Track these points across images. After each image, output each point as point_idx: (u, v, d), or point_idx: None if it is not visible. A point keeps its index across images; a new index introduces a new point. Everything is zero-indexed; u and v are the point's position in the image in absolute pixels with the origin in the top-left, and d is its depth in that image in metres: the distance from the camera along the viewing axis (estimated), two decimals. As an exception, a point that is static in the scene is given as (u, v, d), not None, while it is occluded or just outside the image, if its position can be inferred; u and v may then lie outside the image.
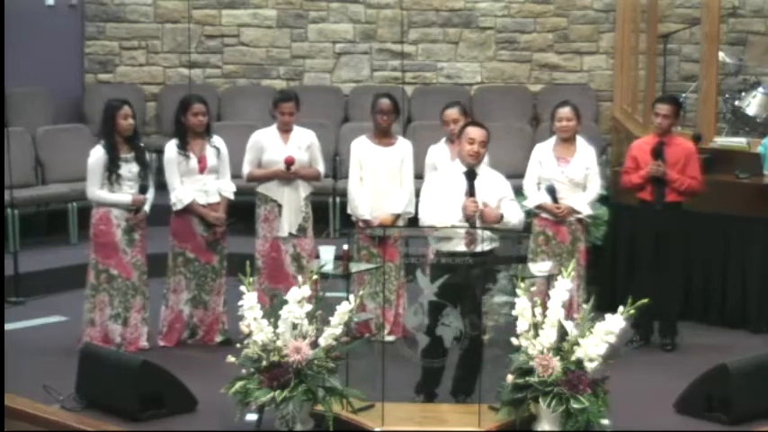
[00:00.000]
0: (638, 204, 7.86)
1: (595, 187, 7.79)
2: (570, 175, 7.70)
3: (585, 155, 7.76)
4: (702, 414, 6.44)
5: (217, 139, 7.83)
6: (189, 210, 7.67)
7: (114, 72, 11.64)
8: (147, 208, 7.61)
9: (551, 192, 7.66)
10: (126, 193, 7.53)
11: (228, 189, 7.83)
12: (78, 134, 10.37)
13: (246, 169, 7.89)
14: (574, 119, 7.70)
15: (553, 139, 7.82)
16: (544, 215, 7.68)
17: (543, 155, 7.78)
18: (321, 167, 8.01)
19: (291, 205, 7.86)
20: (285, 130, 7.89)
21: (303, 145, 7.90)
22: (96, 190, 7.53)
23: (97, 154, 7.53)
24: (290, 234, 7.85)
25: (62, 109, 11.03)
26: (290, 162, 7.75)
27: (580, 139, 7.81)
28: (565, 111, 7.73)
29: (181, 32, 11.50)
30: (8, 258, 8.80)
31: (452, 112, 7.70)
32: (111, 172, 7.49)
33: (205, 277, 7.76)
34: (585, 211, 7.74)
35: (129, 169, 7.56)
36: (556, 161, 7.73)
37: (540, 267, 6.72)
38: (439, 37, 11.55)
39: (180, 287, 7.75)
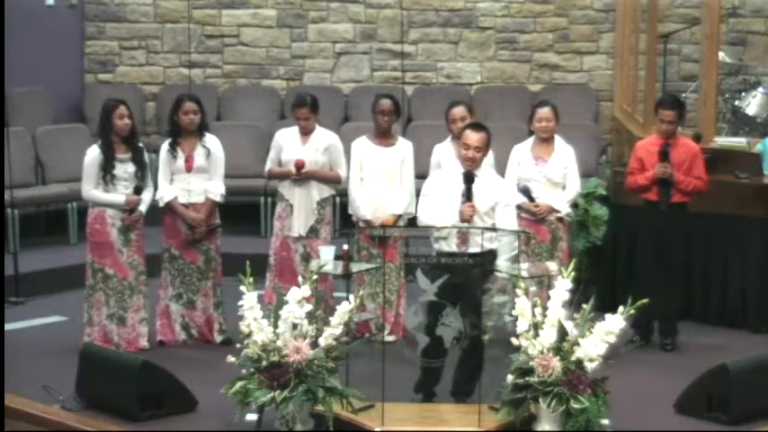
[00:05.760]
0: (641, 205, 7.83)
1: (574, 186, 7.79)
2: (548, 175, 7.71)
3: (564, 154, 7.76)
4: (702, 414, 6.44)
5: (210, 140, 7.75)
6: (170, 207, 7.69)
7: (114, 72, 11.63)
8: (143, 208, 7.60)
9: (525, 192, 7.66)
10: (120, 194, 7.52)
11: (216, 191, 7.72)
12: (78, 134, 10.36)
13: (267, 166, 7.97)
14: (553, 119, 7.71)
15: (531, 140, 7.83)
16: (523, 215, 7.65)
17: (521, 155, 7.78)
18: (342, 171, 7.88)
19: (302, 206, 7.80)
20: (305, 132, 7.84)
21: (321, 147, 7.81)
22: (91, 189, 7.54)
23: (92, 153, 7.53)
24: (301, 235, 7.81)
25: (62, 109, 11.02)
26: (300, 165, 7.72)
27: (558, 139, 7.81)
28: (545, 111, 7.74)
29: (181, 32, 11.49)
30: (8, 258, 8.80)
31: (459, 111, 7.71)
32: (106, 171, 7.48)
33: (190, 276, 7.74)
34: (565, 209, 7.75)
35: (125, 169, 7.54)
36: (534, 161, 7.74)
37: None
38: (439, 37, 11.54)
39: (166, 282, 7.77)
